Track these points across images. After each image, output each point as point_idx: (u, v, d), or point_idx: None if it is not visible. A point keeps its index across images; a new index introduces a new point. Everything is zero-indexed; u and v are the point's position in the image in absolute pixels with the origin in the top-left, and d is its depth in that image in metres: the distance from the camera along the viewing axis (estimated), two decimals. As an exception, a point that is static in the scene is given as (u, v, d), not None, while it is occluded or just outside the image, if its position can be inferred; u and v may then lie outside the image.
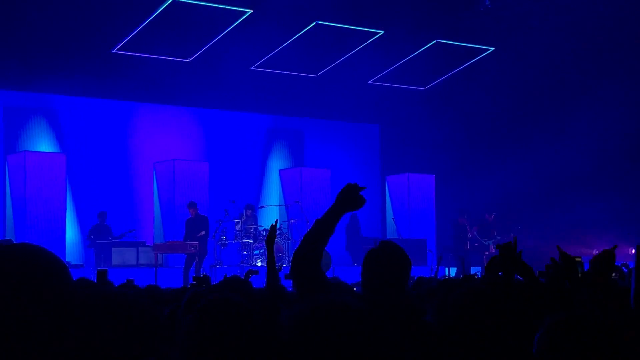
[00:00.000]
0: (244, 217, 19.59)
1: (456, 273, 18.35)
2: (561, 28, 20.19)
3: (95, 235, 18.64)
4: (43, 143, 19.61)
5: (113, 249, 17.96)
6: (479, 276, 10.04)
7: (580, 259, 4.74)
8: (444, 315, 3.27)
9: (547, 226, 21.29)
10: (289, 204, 20.93)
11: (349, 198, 3.95)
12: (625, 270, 7.74)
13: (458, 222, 20.60)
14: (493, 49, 21.47)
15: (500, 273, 4.23)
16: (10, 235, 17.81)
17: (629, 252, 20.37)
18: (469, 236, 20.38)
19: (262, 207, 21.13)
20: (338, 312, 1.97)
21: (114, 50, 19.00)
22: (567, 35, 20.37)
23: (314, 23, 19.08)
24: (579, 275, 4.06)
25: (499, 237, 19.65)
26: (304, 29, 19.31)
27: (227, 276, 5.72)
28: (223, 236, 19.05)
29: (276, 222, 5.84)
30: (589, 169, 20.98)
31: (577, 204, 20.98)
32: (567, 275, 4.07)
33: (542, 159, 21.89)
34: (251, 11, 18.08)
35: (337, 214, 3.94)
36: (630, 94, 20.36)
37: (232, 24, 18.57)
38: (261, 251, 18.91)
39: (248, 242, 19.01)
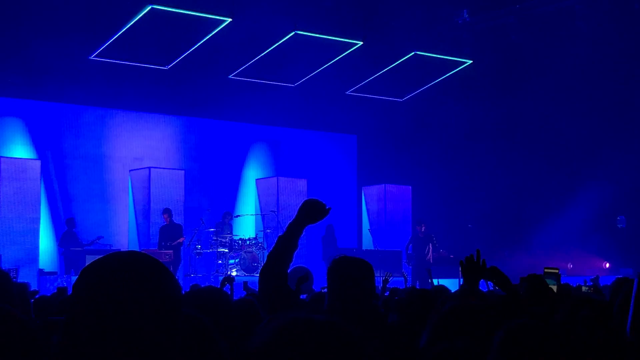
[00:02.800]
0: (223, 224, 19.53)
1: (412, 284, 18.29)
2: (539, 40, 20.33)
3: (67, 242, 18.47)
4: (18, 149, 19.45)
5: (87, 256, 17.79)
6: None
7: (557, 270, 4.75)
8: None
9: (525, 238, 21.37)
10: (265, 214, 20.88)
11: (311, 210, 3.94)
12: (590, 283, 7.78)
13: (417, 233, 20.31)
14: (471, 61, 21.57)
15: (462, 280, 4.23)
16: (-18, 241, 17.61)
17: (603, 266, 20.50)
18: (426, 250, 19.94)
19: (237, 216, 21.06)
20: (305, 329, 1.93)
21: (92, 57, 18.90)
22: (545, 48, 20.52)
23: (292, 33, 19.08)
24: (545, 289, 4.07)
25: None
26: (282, 38, 19.31)
27: (198, 286, 5.66)
28: (198, 245, 18.97)
29: None
30: (563, 180, 21.11)
31: (553, 217, 21.08)
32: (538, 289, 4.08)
33: (519, 171, 22.00)
34: (230, 20, 18.05)
35: (298, 228, 3.94)
36: (599, 105, 20.52)
37: (211, 32, 18.53)
38: (236, 260, 18.85)
39: (223, 251, 18.93)
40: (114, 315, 1.83)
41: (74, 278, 15.24)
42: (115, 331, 1.82)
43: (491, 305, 3.64)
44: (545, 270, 4.99)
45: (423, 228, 19.97)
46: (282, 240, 3.99)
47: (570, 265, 20.78)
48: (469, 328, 3.02)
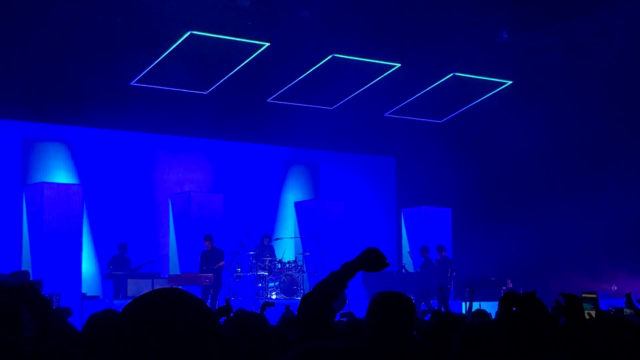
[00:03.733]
0: (262, 246, 19.56)
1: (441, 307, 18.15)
2: (580, 63, 20.17)
3: (115, 266, 18.63)
4: (60, 174, 19.69)
5: (128, 280, 17.94)
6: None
7: (595, 295, 4.66)
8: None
9: (569, 260, 21.12)
10: (304, 237, 20.88)
11: (371, 260, 3.94)
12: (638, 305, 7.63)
13: (426, 258, 20.37)
14: (510, 82, 21.45)
15: (514, 309, 4.17)
16: (26, 266, 17.81)
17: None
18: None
19: (277, 239, 21.09)
20: (320, 357, 1.97)
21: (132, 83, 19.12)
22: (586, 70, 20.35)
23: (330, 56, 19.14)
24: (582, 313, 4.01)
25: None
26: (320, 61, 19.38)
27: (243, 310, 5.68)
28: (238, 268, 19.02)
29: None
30: (609, 205, 20.85)
31: (599, 238, 20.82)
32: (568, 313, 4.02)
33: (561, 193, 21.78)
34: (268, 44, 18.16)
35: (352, 270, 3.94)
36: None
37: (249, 57, 18.66)
38: (276, 284, 18.85)
39: (263, 274, 18.95)
40: (156, 352, 1.84)
41: (119, 302, 15.40)
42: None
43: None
44: (583, 295, 4.90)
45: (444, 252, 20.28)
46: (334, 276, 4.00)
47: (614, 287, 20.48)
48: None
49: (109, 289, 18.75)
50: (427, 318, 7.64)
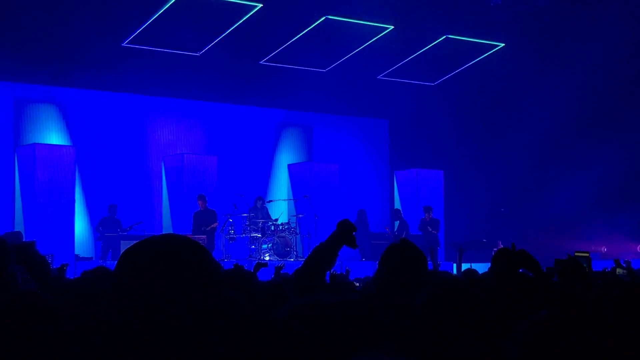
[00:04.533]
0: (256, 209, 19.61)
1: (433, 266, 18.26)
2: (573, 25, 20.14)
3: (104, 227, 18.68)
4: (53, 135, 19.66)
5: (122, 241, 17.98)
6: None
7: (588, 254, 4.73)
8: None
9: (558, 222, 21.26)
10: (298, 199, 20.94)
11: (345, 234, 4.01)
12: (624, 265, 7.72)
13: (425, 219, 20.64)
14: (503, 44, 21.42)
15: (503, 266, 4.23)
16: (19, 227, 17.85)
17: (638, 249, 20.36)
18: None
19: (270, 201, 21.14)
20: (322, 309, 2.03)
21: (124, 44, 19.03)
22: (579, 33, 20.32)
23: (323, 17, 19.07)
24: (585, 271, 4.06)
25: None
26: (313, 23, 19.30)
27: (241, 266, 5.73)
28: (231, 230, 19.08)
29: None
30: (600, 167, 20.95)
31: (590, 202, 20.94)
32: (573, 271, 4.07)
33: (553, 155, 21.86)
34: (261, 5, 18.07)
35: (335, 248, 4.00)
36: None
37: (242, 18, 18.57)
38: (269, 245, 18.93)
39: (256, 236, 19.02)
40: (156, 294, 1.87)
41: (110, 262, 15.44)
42: (157, 310, 1.86)
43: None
44: (576, 253, 4.98)
45: (430, 214, 20.59)
46: (319, 253, 4.06)
47: (604, 249, 20.66)
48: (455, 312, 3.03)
49: (100, 249, 18.81)
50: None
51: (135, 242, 2.06)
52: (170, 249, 1.94)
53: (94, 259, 18.21)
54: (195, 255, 1.95)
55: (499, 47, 21.54)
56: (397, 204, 22.85)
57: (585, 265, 4.58)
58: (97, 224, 19.01)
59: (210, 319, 1.91)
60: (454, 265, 18.59)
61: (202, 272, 1.93)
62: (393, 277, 3.91)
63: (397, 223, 21.01)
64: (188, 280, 1.90)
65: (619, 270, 7.07)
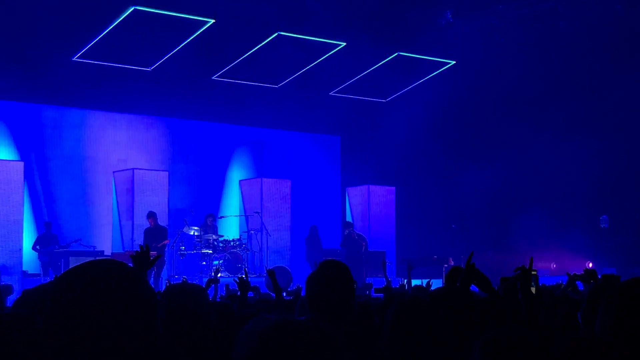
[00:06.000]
0: (206, 226, 19.52)
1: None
2: (522, 43, 20.41)
3: (41, 244, 18.44)
4: (1, 150, 19.37)
5: (71, 258, 17.73)
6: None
7: (535, 272, 4.77)
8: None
9: (508, 239, 21.46)
10: (249, 215, 20.88)
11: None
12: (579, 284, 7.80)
13: (351, 234, 20.83)
14: (454, 62, 21.64)
15: (457, 283, 4.25)
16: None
17: (587, 266, 20.60)
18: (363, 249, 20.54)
19: (221, 217, 21.05)
20: (289, 331, 2.00)
21: (74, 58, 18.85)
22: (528, 50, 20.60)
23: (276, 34, 19.10)
24: (531, 289, 4.09)
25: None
26: (266, 39, 19.31)
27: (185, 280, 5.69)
28: (182, 246, 18.95)
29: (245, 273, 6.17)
30: (543, 182, 21.21)
31: (534, 217, 21.17)
32: (521, 288, 4.10)
33: (501, 172, 22.08)
34: (213, 20, 18.04)
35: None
36: (588, 113, 20.60)
37: (194, 34, 18.52)
38: (220, 262, 18.84)
39: (207, 252, 18.92)
40: (92, 319, 1.90)
41: (50, 279, 15.21)
42: (92, 333, 1.89)
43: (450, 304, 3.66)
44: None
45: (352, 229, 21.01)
46: None
47: (553, 265, 20.89)
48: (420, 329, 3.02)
49: (43, 266, 18.53)
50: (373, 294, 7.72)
51: (82, 257, 2.12)
52: (105, 274, 2.00)
53: (41, 275, 17.94)
54: (130, 281, 2.01)
55: (450, 65, 21.76)
56: (349, 220, 22.89)
57: (532, 283, 4.61)
58: (34, 242, 18.73)
59: (143, 344, 1.94)
60: (405, 280, 18.64)
61: (135, 298, 1.98)
62: (322, 302, 3.82)
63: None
64: (121, 306, 1.95)
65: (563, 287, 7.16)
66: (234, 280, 7.60)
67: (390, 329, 3.06)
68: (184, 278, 8.10)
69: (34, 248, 18.58)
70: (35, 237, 19.18)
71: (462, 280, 4.18)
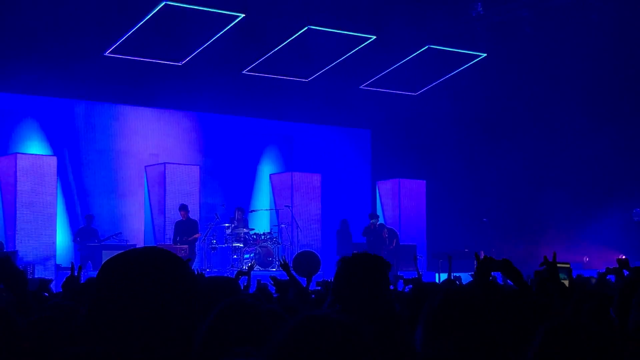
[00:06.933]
0: (235, 220, 19.60)
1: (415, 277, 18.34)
2: (554, 35, 20.26)
3: (82, 237, 18.63)
4: (34, 145, 19.56)
5: (103, 251, 17.89)
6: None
7: (568, 265, 4.75)
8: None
9: (540, 232, 21.34)
10: (279, 209, 20.93)
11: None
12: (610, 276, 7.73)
13: (372, 226, 20.72)
14: (485, 55, 21.51)
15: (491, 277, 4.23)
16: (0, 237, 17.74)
17: (620, 257, 20.41)
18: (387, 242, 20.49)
19: (252, 211, 21.11)
20: (319, 326, 2.01)
21: (106, 53, 18.98)
22: (560, 43, 20.44)
23: (305, 27, 19.10)
24: (560, 282, 4.07)
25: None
26: (295, 33, 19.32)
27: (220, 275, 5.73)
28: (213, 240, 19.04)
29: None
30: (576, 175, 21.05)
31: (566, 211, 21.03)
32: (550, 280, 4.08)
33: (534, 165, 21.95)
34: (243, 15, 18.08)
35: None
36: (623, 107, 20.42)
37: (224, 28, 18.57)
38: (251, 255, 18.91)
39: (238, 245, 19.00)
40: (136, 304, 1.93)
41: (90, 273, 15.37)
42: (137, 319, 1.93)
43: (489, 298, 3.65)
44: (557, 264, 4.98)
45: (378, 222, 20.69)
46: None
47: (586, 259, 20.73)
48: (466, 322, 3.00)
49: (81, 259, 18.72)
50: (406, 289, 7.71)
51: (115, 251, 2.13)
52: (150, 261, 2.01)
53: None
54: (173, 267, 2.01)
55: (480, 57, 21.64)
56: (380, 215, 22.87)
57: (566, 276, 4.59)
58: (74, 235, 18.95)
59: (188, 329, 1.96)
60: (436, 275, 18.65)
61: (179, 283, 1.99)
62: (350, 287, 3.82)
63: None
64: (166, 291, 1.96)
65: (593, 280, 7.10)
66: (270, 278, 7.63)
67: (432, 321, 3.04)
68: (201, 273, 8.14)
69: (74, 240, 18.81)
70: (72, 231, 19.37)
71: (476, 273, 4.16)
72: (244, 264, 18.67)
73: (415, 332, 3.07)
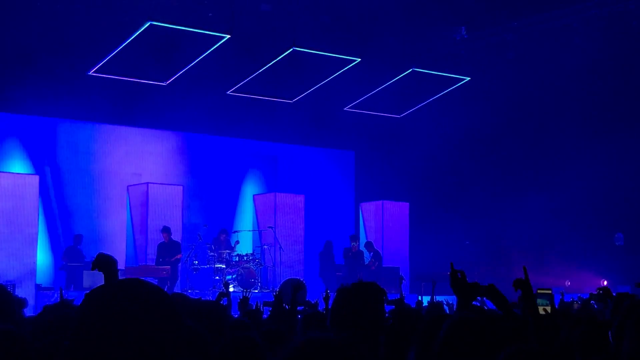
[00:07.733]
0: (219, 241, 19.56)
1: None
2: (537, 59, 20.41)
3: (68, 258, 18.57)
4: (16, 164, 19.47)
5: (84, 271, 17.81)
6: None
7: (549, 291, 4.73)
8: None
9: (523, 256, 21.38)
10: (263, 230, 20.89)
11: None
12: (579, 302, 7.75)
13: (350, 249, 20.64)
14: (469, 78, 21.64)
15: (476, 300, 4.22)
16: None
17: (601, 284, 20.48)
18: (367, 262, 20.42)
19: (235, 232, 21.07)
20: (320, 348, 2.03)
21: (91, 72, 18.95)
22: (543, 67, 20.59)
23: (291, 49, 19.16)
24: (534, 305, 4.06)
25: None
26: (281, 54, 19.38)
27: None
28: (195, 261, 18.98)
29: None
30: (558, 199, 21.13)
31: (548, 235, 21.10)
32: (523, 300, 4.09)
33: (518, 187, 22.03)
34: (228, 36, 18.12)
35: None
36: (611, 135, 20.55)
37: (210, 48, 18.60)
38: (234, 276, 18.85)
39: (221, 267, 18.94)
40: (119, 339, 1.92)
41: (72, 293, 15.26)
42: (120, 354, 1.91)
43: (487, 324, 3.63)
44: (539, 291, 4.98)
45: (357, 244, 20.60)
46: None
47: (568, 283, 20.78)
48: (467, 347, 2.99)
49: (63, 280, 18.63)
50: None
51: (88, 271, 2.12)
52: (133, 295, 1.99)
53: (55, 288, 17.97)
54: (156, 301, 2.00)
55: (464, 81, 21.76)
56: (362, 236, 22.87)
57: (548, 302, 4.58)
58: (62, 254, 18.89)
59: (171, 353, 1.95)
60: (418, 297, 18.61)
61: (163, 318, 1.97)
62: (349, 321, 3.83)
63: (369, 255, 20.97)
64: (149, 327, 1.95)
65: (575, 305, 7.12)
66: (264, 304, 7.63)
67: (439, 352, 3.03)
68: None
69: (62, 259, 18.81)
70: (52, 250, 19.27)
71: (459, 300, 4.17)
72: (222, 284, 18.58)
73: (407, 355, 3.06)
